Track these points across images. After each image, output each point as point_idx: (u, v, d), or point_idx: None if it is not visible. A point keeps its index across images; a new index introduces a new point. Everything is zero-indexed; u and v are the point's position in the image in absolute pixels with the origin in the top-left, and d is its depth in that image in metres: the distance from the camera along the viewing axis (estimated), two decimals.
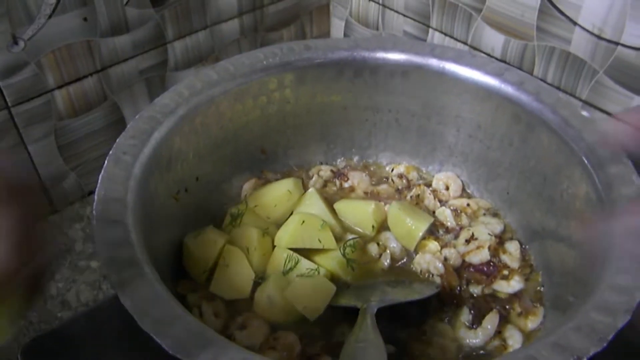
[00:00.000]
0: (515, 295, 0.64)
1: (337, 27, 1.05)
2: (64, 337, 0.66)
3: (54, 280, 0.73)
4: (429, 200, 0.75)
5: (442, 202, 0.76)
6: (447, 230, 0.72)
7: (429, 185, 0.78)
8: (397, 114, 0.78)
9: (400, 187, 0.78)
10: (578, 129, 0.61)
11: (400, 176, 0.79)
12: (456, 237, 0.71)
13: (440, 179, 0.78)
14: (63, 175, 0.81)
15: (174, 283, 0.63)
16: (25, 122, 0.74)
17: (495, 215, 0.74)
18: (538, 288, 0.65)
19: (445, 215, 0.73)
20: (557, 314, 0.60)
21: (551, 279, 0.64)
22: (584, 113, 0.64)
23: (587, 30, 0.70)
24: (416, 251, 0.70)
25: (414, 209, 0.73)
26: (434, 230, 0.72)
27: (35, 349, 0.64)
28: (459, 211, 0.73)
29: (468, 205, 0.74)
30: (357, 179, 0.78)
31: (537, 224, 0.68)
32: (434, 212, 0.74)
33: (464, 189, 0.78)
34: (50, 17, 0.71)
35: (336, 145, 0.81)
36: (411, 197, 0.76)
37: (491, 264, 0.66)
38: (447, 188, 0.77)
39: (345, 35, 1.04)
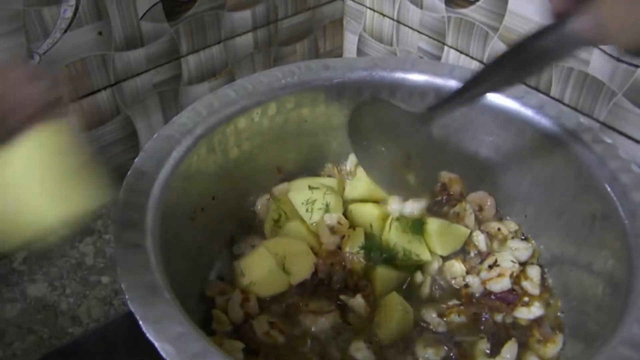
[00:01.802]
0: (535, 322, 0.63)
1: (351, 42, 1.04)
2: (75, 353, 0.66)
3: (65, 295, 0.73)
4: (469, 220, 0.73)
5: (479, 221, 0.74)
6: (479, 253, 0.71)
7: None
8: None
9: (441, 199, 0.76)
10: (600, 155, 0.61)
11: (443, 187, 0.77)
12: (482, 261, 0.70)
13: (474, 199, 0.76)
14: None
15: (193, 300, 0.63)
16: None
17: (525, 239, 0.73)
18: (558, 314, 0.64)
19: (479, 239, 0.71)
20: (576, 341, 0.59)
21: (571, 305, 0.63)
22: (606, 139, 0.63)
23: (606, 52, 0.69)
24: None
25: (449, 229, 0.72)
26: (466, 250, 0.71)
27: None
28: (491, 235, 0.72)
29: (499, 229, 0.72)
30: None
31: (555, 248, 0.68)
32: (470, 233, 0.73)
33: (497, 209, 0.76)
34: (65, 31, 0.70)
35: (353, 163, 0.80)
36: (453, 213, 0.74)
37: (512, 291, 0.65)
38: (481, 209, 0.75)
39: (358, 50, 1.04)
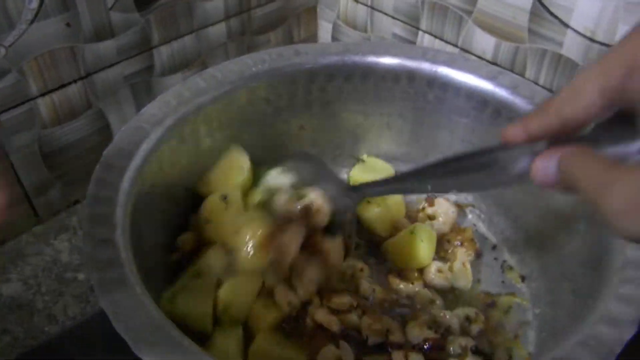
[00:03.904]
0: None
1: (325, 30, 1.03)
2: (51, 352, 0.65)
3: (40, 293, 0.71)
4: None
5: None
6: None
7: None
8: (389, 118, 0.77)
9: None
10: None
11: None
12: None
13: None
14: (48, 185, 0.79)
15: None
16: (7, 131, 0.72)
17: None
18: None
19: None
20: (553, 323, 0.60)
21: (548, 287, 0.64)
22: None
23: (579, 33, 0.69)
24: None
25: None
26: None
27: None
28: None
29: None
30: None
31: (532, 229, 0.68)
32: None
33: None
34: (32, 22, 0.69)
35: (327, 151, 0.80)
36: None
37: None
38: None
39: (333, 38, 1.03)
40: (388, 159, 0.80)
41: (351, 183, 0.77)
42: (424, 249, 0.68)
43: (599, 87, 0.35)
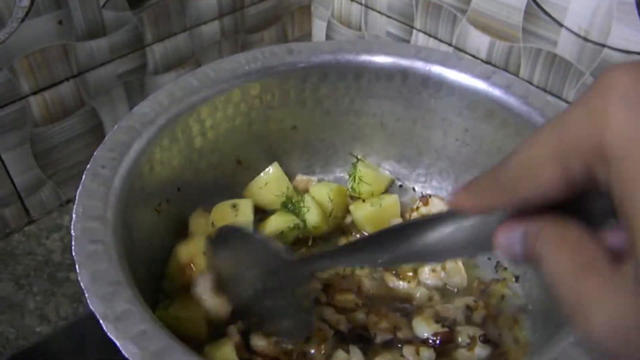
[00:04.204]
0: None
1: (319, 28, 1.03)
2: (43, 353, 0.64)
3: (32, 293, 0.71)
4: None
5: None
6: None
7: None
8: (382, 117, 0.77)
9: None
10: None
11: None
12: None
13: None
14: (39, 184, 0.79)
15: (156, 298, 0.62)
16: None
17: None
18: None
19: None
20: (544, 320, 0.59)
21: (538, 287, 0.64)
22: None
23: (574, 32, 0.69)
24: None
25: None
26: None
27: None
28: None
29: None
30: None
31: None
32: None
33: None
34: (23, 20, 0.68)
35: (319, 150, 0.80)
36: None
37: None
38: None
39: (327, 36, 1.03)
40: (381, 158, 0.80)
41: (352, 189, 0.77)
42: None
43: (559, 172, 0.27)
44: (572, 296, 0.26)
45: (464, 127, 0.72)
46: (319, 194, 0.74)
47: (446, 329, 0.60)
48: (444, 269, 0.68)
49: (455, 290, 0.68)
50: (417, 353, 0.58)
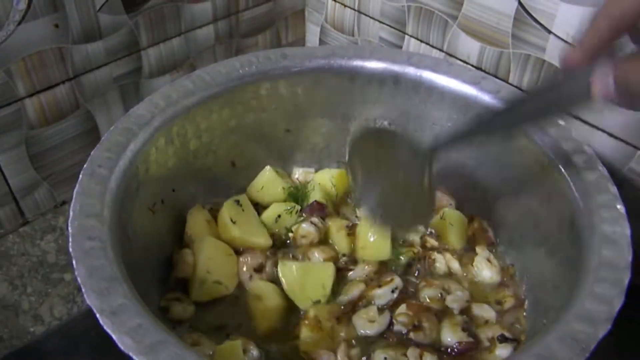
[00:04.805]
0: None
1: (313, 33, 1.04)
2: (37, 353, 0.65)
3: (26, 294, 0.71)
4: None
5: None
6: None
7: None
8: (374, 122, 0.78)
9: None
10: (554, 137, 0.62)
11: None
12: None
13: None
14: (34, 185, 0.79)
15: (157, 295, 0.63)
16: None
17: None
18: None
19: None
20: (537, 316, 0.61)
21: (530, 283, 0.65)
22: (560, 121, 0.64)
23: (561, 39, 0.70)
24: None
25: None
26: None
27: None
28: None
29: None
30: None
31: (513, 231, 0.69)
32: None
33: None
34: (19, 23, 0.69)
35: (313, 154, 0.81)
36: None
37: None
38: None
39: (320, 41, 1.04)
40: None
41: None
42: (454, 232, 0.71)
43: None
44: None
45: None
46: (322, 180, 0.77)
47: (470, 340, 0.61)
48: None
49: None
50: (421, 357, 0.59)
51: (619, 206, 0.55)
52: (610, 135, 0.71)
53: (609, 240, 0.52)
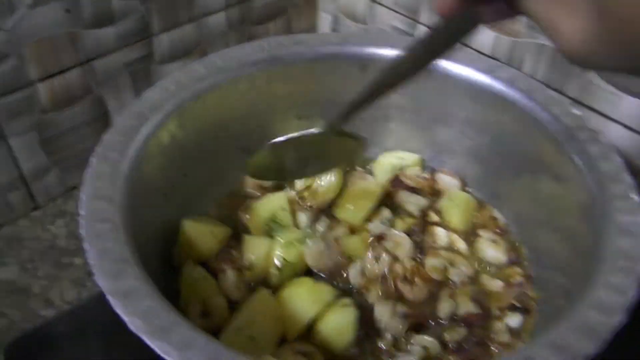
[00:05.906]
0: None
1: (325, 21, 1.04)
2: (47, 336, 0.65)
3: (37, 277, 0.72)
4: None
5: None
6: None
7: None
8: (387, 109, 0.77)
9: None
10: (569, 127, 0.61)
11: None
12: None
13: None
14: (45, 170, 0.80)
15: (166, 277, 0.63)
16: (6, 116, 0.72)
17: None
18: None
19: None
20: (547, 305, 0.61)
21: (541, 270, 0.65)
22: (575, 111, 0.64)
23: None
24: None
25: None
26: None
27: (18, 348, 0.63)
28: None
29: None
30: None
31: (529, 217, 0.69)
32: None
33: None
34: (32, 7, 0.69)
35: None
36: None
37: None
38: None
39: (333, 29, 1.03)
40: (384, 150, 0.81)
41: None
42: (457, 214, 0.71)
43: None
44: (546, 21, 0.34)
45: (467, 121, 0.73)
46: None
47: (479, 312, 0.61)
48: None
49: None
50: (394, 346, 0.59)
51: (634, 196, 0.54)
52: (626, 126, 0.70)
53: (624, 230, 0.51)
